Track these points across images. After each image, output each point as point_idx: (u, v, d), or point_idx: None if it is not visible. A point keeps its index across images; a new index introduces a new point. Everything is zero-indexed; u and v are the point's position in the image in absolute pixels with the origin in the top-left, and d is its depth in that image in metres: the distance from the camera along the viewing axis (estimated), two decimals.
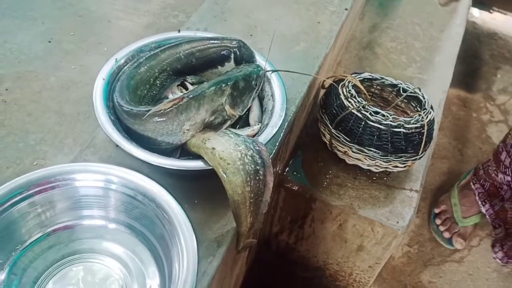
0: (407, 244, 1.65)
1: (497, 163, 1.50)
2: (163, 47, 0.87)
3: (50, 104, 0.95)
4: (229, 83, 0.78)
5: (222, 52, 0.88)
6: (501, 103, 2.25)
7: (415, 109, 1.20)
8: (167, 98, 0.85)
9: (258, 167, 0.71)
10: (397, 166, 1.13)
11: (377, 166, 1.14)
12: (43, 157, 0.85)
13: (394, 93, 1.23)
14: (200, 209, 0.78)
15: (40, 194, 0.64)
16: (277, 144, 0.89)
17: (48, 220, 0.66)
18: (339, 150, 1.16)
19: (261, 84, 0.85)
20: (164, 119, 0.73)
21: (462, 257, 1.64)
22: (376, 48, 1.64)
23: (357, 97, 1.10)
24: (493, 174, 1.52)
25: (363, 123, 1.07)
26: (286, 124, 0.91)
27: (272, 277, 1.48)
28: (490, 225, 1.61)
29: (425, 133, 1.08)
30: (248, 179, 0.70)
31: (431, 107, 1.13)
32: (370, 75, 1.22)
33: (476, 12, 2.63)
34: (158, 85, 0.86)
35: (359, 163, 1.16)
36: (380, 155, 1.10)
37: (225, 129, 0.79)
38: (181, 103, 0.73)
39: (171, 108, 0.73)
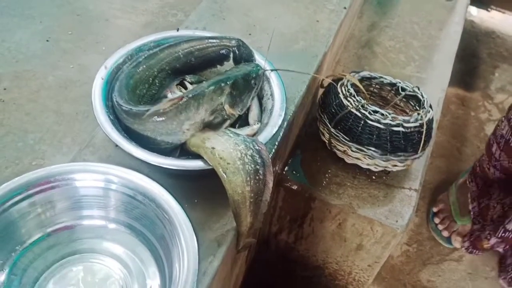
0: (406, 243, 1.65)
1: (489, 156, 1.50)
2: (162, 46, 0.86)
3: (49, 103, 0.95)
4: (228, 82, 0.78)
5: (221, 51, 0.88)
6: (499, 102, 2.25)
7: (414, 108, 1.19)
8: (166, 97, 0.85)
9: (258, 167, 0.71)
10: (396, 165, 1.13)
11: (376, 165, 1.14)
12: (42, 156, 0.85)
13: (393, 92, 1.23)
14: (200, 209, 0.77)
15: (40, 194, 0.64)
16: (276, 143, 0.89)
17: (48, 220, 0.66)
18: (338, 149, 1.16)
19: (261, 83, 0.85)
20: (163, 118, 0.73)
21: (461, 255, 1.64)
22: (375, 46, 1.64)
23: (356, 96, 1.10)
24: (486, 169, 1.52)
25: (362, 122, 1.07)
26: (285, 123, 0.91)
27: (271, 276, 1.48)
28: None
29: (424, 132, 1.08)
30: (248, 178, 0.70)
31: (430, 106, 1.13)
32: (369, 74, 1.22)
33: (474, 11, 2.64)
34: (157, 84, 0.85)
35: (358, 162, 1.15)
36: (379, 154, 1.10)
37: (225, 128, 0.78)
38: (180, 102, 0.73)
39: (170, 108, 0.72)
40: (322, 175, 1.20)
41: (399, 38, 1.70)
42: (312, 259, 1.37)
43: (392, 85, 1.22)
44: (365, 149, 1.10)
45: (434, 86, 1.52)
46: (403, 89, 1.20)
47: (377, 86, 1.25)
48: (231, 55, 0.88)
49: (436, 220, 1.66)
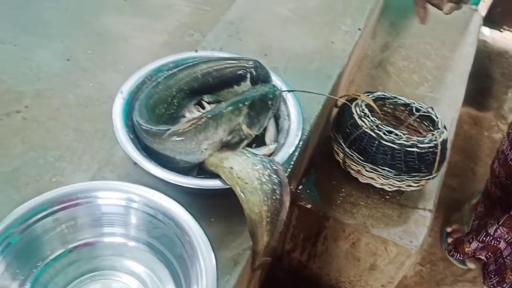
0: (419, 263, 1.64)
1: (491, 174, 1.50)
2: (181, 67, 0.88)
3: (69, 121, 0.96)
4: (246, 103, 0.79)
5: (239, 72, 0.90)
6: None
7: (428, 128, 1.20)
8: (184, 116, 0.86)
9: (275, 187, 0.72)
10: (410, 186, 1.14)
11: (391, 185, 1.14)
12: (62, 173, 0.86)
13: (407, 112, 1.24)
14: (216, 227, 0.78)
15: (64, 210, 0.65)
16: (292, 163, 0.90)
17: (70, 236, 0.67)
18: (352, 169, 1.17)
19: (277, 104, 0.86)
20: (182, 138, 0.74)
21: (475, 276, 1.63)
22: (388, 67, 1.66)
23: (370, 116, 1.11)
24: (489, 187, 1.52)
25: (376, 142, 1.08)
26: (301, 143, 0.92)
27: None
28: None
29: (438, 153, 1.08)
30: (265, 198, 0.70)
31: (444, 127, 1.14)
32: (383, 94, 1.23)
33: (486, 31, 2.64)
34: (175, 104, 0.87)
35: (372, 182, 1.16)
36: (394, 175, 1.11)
37: (242, 148, 0.80)
38: (199, 122, 0.74)
39: (189, 128, 0.74)
40: (336, 194, 1.21)
41: (412, 58, 1.71)
42: (325, 278, 1.37)
43: (406, 105, 1.23)
44: (379, 169, 1.11)
45: (448, 106, 1.53)
46: (417, 110, 1.21)
47: (391, 106, 1.25)
48: (248, 75, 0.89)
49: (450, 241, 1.65)
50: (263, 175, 0.72)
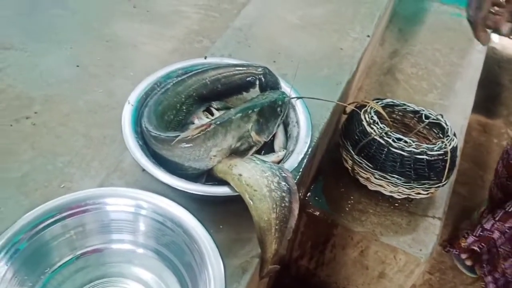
0: (428, 272, 1.62)
1: (495, 175, 1.49)
2: (190, 73, 0.88)
3: (78, 127, 0.97)
4: (255, 110, 0.79)
5: (248, 79, 0.89)
6: None
7: (437, 135, 1.19)
8: (193, 123, 0.86)
9: (284, 194, 0.71)
10: (420, 193, 1.13)
11: (400, 192, 1.13)
12: (71, 179, 0.86)
13: (416, 119, 1.23)
14: (225, 235, 0.78)
15: (73, 217, 0.65)
16: (301, 170, 0.89)
17: (78, 243, 0.67)
18: (361, 176, 1.16)
19: (286, 111, 0.86)
20: (191, 145, 0.74)
21: (484, 286, 1.61)
22: (397, 73, 1.65)
23: (379, 123, 1.10)
24: (491, 190, 1.51)
25: (385, 149, 1.07)
26: (310, 150, 0.92)
27: None
28: None
29: (448, 160, 1.08)
30: (274, 205, 0.70)
31: (454, 134, 1.13)
32: (391, 101, 1.22)
33: (496, 38, 2.63)
34: (184, 110, 0.87)
35: (381, 190, 1.15)
36: (403, 182, 1.10)
37: (251, 155, 0.79)
38: (208, 129, 0.74)
39: (198, 135, 0.74)
40: (345, 202, 1.20)
41: (421, 65, 1.70)
42: (333, 286, 1.36)
43: (415, 112, 1.22)
44: (388, 177, 1.10)
45: (457, 113, 1.52)
46: (427, 117, 1.20)
47: (400, 113, 1.25)
48: (257, 82, 0.89)
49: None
50: (272, 182, 0.72)
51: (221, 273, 0.62)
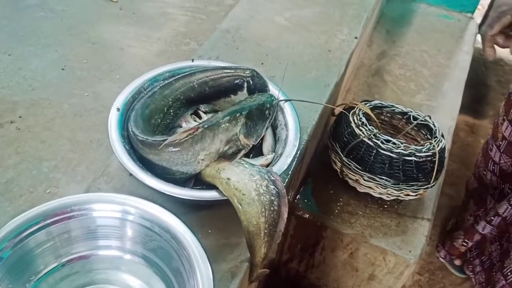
0: (417, 273, 1.63)
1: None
2: (177, 76, 0.88)
3: (64, 131, 0.95)
4: (243, 113, 0.79)
5: (235, 81, 0.89)
6: None
7: (425, 136, 1.19)
8: (181, 126, 0.85)
9: (273, 198, 0.71)
10: (408, 195, 1.13)
11: (389, 194, 1.13)
12: (56, 185, 0.85)
13: (404, 120, 1.24)
14: (213, 239, 0.77)
15: (57, 224, 0.64)
16: (289, 173, 0.89)
17: (63, 250, 0.66)
18: (350, 178, 1.16)
19: (275, 114, 0.85)
20: (179, 149, 0.73)
21: (473, 285, 1.61)
22: (385, 75, 1.65)
23: (368, 125, 1.10)
24: (482, 175, 1.52)
25: (374, 151, 1.07)
26: (299, 153, 0.91)
27: None
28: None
29: (436, 162, 1.08)
30: (263, 209, 0.69)
31: (442, 135, 1.13)
32: (380, 103, 1.22)
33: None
34: (171, 113, 0.86)
35: (370, 191, 1.15)
36: (392, 184, 1.10)
37: (239, 158, 0.78)
38: (196, 133, 0.73)
39: (186, 138, 0.73)
40: (334, 204, 1.20)
41: (409, 66, 1.71)
42: None
43: (403, 114, 1.23)
44: (377, 178, 1.10)
45: (445, 114, 1.52)
46: (415, 118, 1.20)
47: (388, 114, 1.25)
48: (245, 85, 0.89)
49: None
50: (261, 186, 0.71)
51: (210, 279, 0.61)
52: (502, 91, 2.44)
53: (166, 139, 0.73)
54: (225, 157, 0.78)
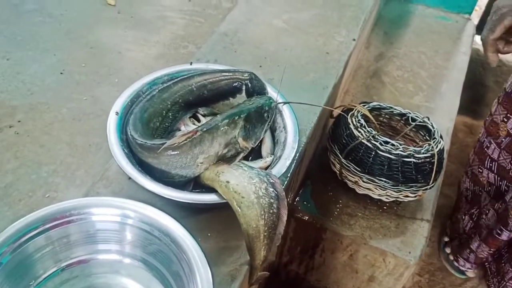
0: (417, 274, 1.63)
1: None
2: (176, 80, 0.88)
3: (62, 135, 0.95)
4: (242, 116, 0.79)
5: (234, 84, 0.89)
6: None
7: (424, 138, 1.20)
8: (180, 130, 0.85)
9: (272, 200, 0.71)
10: (408, 196, 1.13)
11: (388, 196, 1.13)
12: (55, 189, 0.85)
13: (403, 122, 1.24)
14: (213, 242, 0.77)
15: (57, 228, 0.64)
16: (288, 175, 0.89)
17: (63, 255, 0.66)
18: (349, 180, 1.16)
19: (273, 116, 0.86)
20: (178, 152, 0.73)
21: (473, 286, 1.62)
22: (383, 76, 1.66)
23: (366, 126, 1.10)
24: (477, 174, 1.51)
25: (373, 153, 1.07)
26: (298, 155, 0.91)
27: None
28: None
29: (435, 163, 1.08)
30: (263, 212, 0.69)
31: (441, 137, 1.13)
32: (378, 104, 1.23)
33: (479, 40, 2.66)
34: (170, 117, 0.86)
35: (370, 193, 1.15)
36: (391, 185, 1.10)
37: (238, 161, 0.79)
38: (195, 136, 0.73)
39: (185, 142, 0.73)
40: (333, 206, 1.20)
41: (407, 67, 1.71)
42: None
43: (402, 115, 1.23)
44: (376, 180, 1.10)
45: (443, 115, 1.52)
46: (413, 120, 1.20)
47: (386, 116, 1.25)
48: (244, 88, 0.89)
49: (448, 250, 1.64)
50: (260, 188, 0.71)
51: (210, 282, 0.61)
52: (500, 92, 2.44)
53: (165, 143, 0.72)
54: (224, 160, 0.78)
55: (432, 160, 1.08)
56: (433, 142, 1.10)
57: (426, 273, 1.64)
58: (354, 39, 1.27)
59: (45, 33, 1.18)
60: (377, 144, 1.07)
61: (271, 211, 0.70)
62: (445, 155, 1.22)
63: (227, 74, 0.89)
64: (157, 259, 0.67)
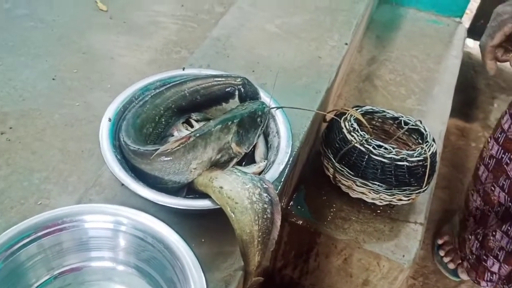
0: (411, 277, 1.63)
1: (475, 180, 1.47)
2: (168, 85, 0.87)
3: (54, 141, 0.95)
4: (235, 121, 0.79)
5: (227, 89, 0.89)
6: None
7: (417, 141, 1.20)
8: (172, 135, 0.85)
9: (266, 206, 0.71)
10: (401, 199, 1.13)
11: (381, 199, 1.14)
12: (48, 196, 0.85)
13: (395, 125, 1.24)
14: (207, 248, 0.77)
15: (49, 236, 0.64)
16: (282, 180, 0.89)
17: (55, 263, 0.65)
18: (343, 184, 1.16)
19: (266, 121, 0.86)
20: (171, 158, 0.73)
21: None
22: (375, 80, 1.66)
23: (359, 130, 1.11)
24: (470, 196, 1.50)
25: (366, 156, 1.07)
26: (291, 160, 0.91)
27: None
28: None
29: (428, 166, 1.08)
30: (256, 218, 0.69)
31: (433, 140, 1.14)
32: (371, 108, 1.23)
33: (470, 43, 2.67)
34: (163, 122, 0.86)
35: (363, 197, 1.15)
36: (384, 189, 1.10)
37: (232, 167, 0.78)
38: (188, 142, 0.73)
39: (178, 147, 0.73)
40: (327, 210, 1.20)
41: (399, 71, 1.72)
42: None
43: (395, 119, 1.23)
44: (370, 184, 1.10)
45: (435, 118, 1.53)
46: (406, 123, 1.21)
47: (379, 120, 1.26)
48: (237, 93, 0.89)
49: (441, 253, 1.65)
50: (254, 194, 0.71)
51: None
52: (492, 94, 2.46)
53: (158, 149, 0.72)
54: (218, 165, 0.78)
55: (425, 164, 1.08)
56: (426, 146, 1.11)
57: (420, 276, 1.64)
58: (346, 43, 1.27)
59: (37, 39, 1.18)
60: (370, 148, 1.07)
61: (265, 216, 0.70)
62: (438, 158, 1.23)
63: (219, 79, 0.89)
64: (151, 266, 0.67)
